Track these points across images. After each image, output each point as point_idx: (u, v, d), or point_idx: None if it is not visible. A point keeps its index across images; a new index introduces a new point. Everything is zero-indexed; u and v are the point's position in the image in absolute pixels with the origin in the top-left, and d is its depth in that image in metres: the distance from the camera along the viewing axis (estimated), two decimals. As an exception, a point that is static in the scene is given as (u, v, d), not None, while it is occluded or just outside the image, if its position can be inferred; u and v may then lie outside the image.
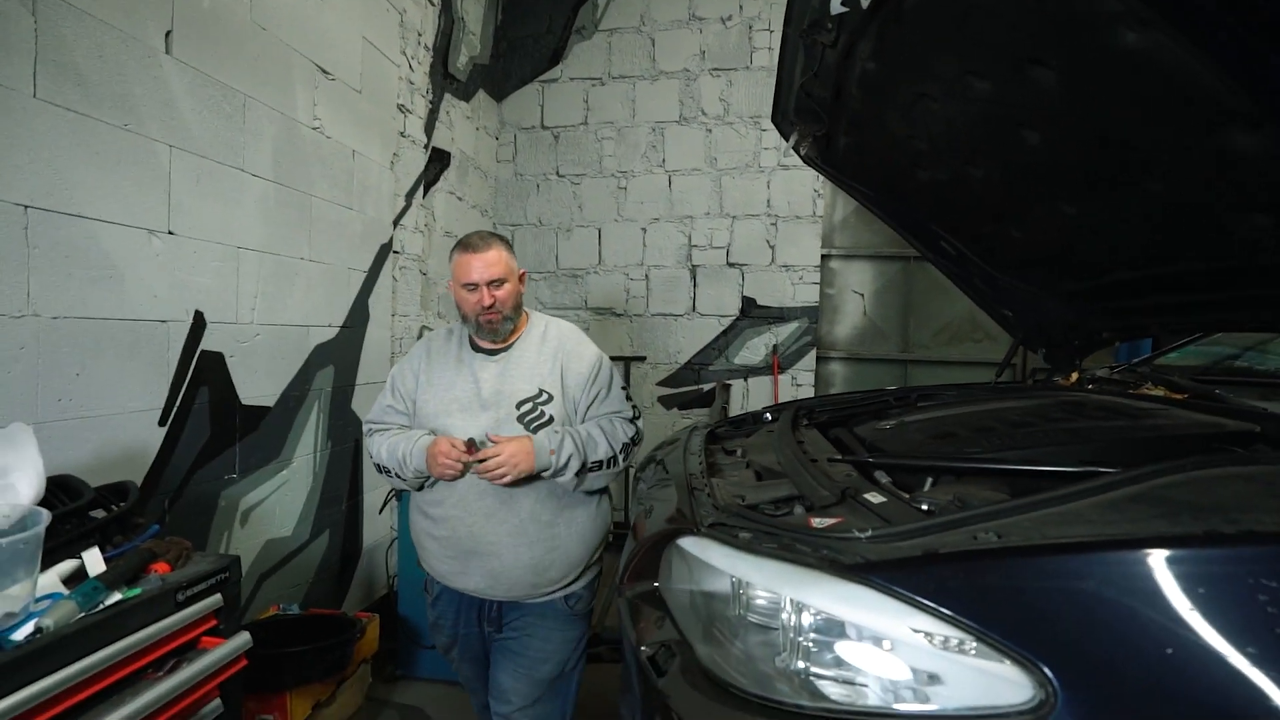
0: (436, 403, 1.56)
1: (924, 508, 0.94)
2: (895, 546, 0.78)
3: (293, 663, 1.84)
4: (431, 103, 3.36)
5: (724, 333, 4.02)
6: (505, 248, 1.56)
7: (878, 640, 0.69)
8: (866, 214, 4.11)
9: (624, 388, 1.66)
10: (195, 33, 1.90)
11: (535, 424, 1.51)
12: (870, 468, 1.21)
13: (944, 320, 4.02)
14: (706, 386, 4.02)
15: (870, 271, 4.09)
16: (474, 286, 1.50)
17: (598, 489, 1.58)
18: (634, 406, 1.65)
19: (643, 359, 4.06)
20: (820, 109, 1.78)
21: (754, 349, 4.00)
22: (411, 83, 3.15)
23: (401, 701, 2.44)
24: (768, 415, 1.94)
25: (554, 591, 1.55)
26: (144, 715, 1.11)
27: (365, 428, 1.69)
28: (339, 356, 2.65)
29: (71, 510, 1.23)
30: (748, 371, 4.01)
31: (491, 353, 1.58)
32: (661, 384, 4.08)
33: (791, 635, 0.77)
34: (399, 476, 1.56)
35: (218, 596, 1.31)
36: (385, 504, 2.77)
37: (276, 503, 2.32)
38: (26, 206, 1.47)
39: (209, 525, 2.03)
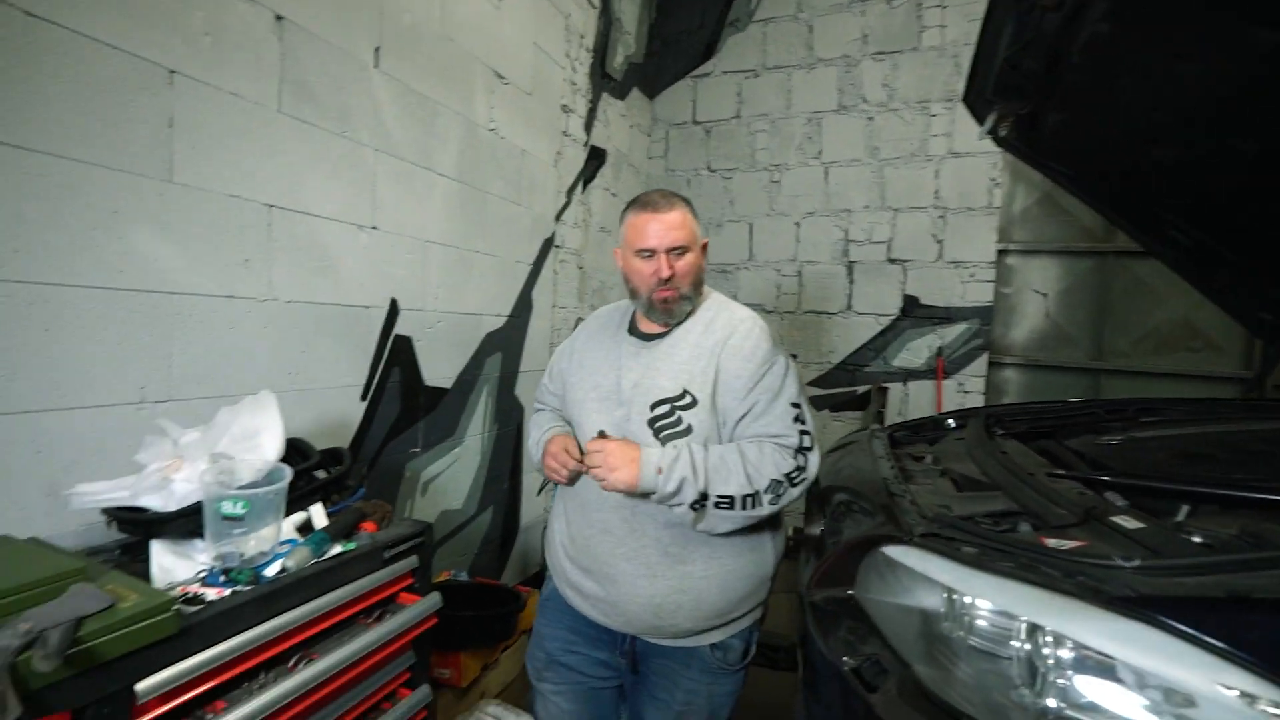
0: (580, 389, 1.35)
1: (1197, 540, 0.79)
2: (1178, 582, 0.65)
3: (468, 626, 1.98)
4: (590, 102, 3.47)
5: (882, 333, 3.78)
6: (689, 210, 1.29)
7: (1169, 692, 0.58)
8: (1052, 204, 3.68)
9: (796, 405, 1.24)
10: (398, 47, 2.09)
11: (668, 433, 1.20)
12: (1102, 486, 1.05)
13: (1150, 325, 3.48)
14: (861, 389, 3.80)
15: (1056, 269, 3.64)
16: (650, 254, 1.24)
17: (727, 530, 1.19)
18: (805, 434, 1.22)
19: (794, 357, 3.90)
20: (1028, 84, 1.59)
21: (915, 351, 3.71)
22: (574, 84, 3.27)
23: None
24: (950, 421, 1.78)
25: (689, 637, 1.25)
26: (358, 656, 1.23)
27: (535, 405, 1.56)
28: (506, 344, 2.82)
29: (303, 469, 1.40)
30: (907, 375, 3.74)
31: (647, 338, 1.31)
32: (812, 384, 3.91)
33: (1037, 667, 0.68)
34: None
35: (415, 558, 1.43)
36: (543, 488, 2.91)
37: (450, 477, 2.52)
38: (271, 206, 1.69)
39: (396, 492, 2.24)
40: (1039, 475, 1.09)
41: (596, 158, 3.56)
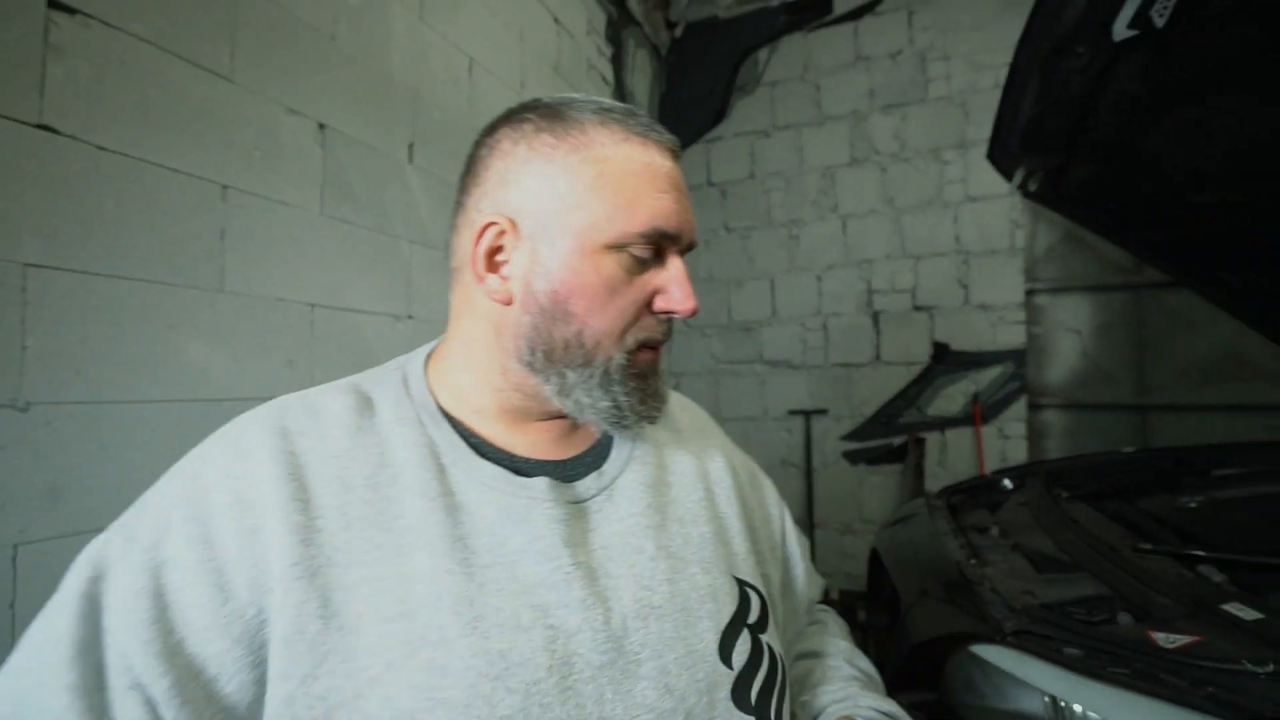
0: (413, 673, 0.41)
1: (1327, 631, 0.73)
2: (1326, 693, 0.60)
3: None
4: (608, 174, 3.57)
5: (914, 382, 3.71)
6: None
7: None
8: (1076, 241, 3.65)
9: None
10: (430, 142, 2.18)
11: (766, 695, 0.51)
12: (1194, 561, 0.99)
13: (1191, 357, 3.39)
14: (897, 440, 3.72)
15: (1089, 306, 3.58)
16: (654, 250, 0.53)
17: None
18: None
19: (824, 412, 3.87)
20: (1056, 139, 1.60)
21: (950, 398, 3.64)
22: (592, 158, 3.38)
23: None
24: (1006, 482, 1.72)
25: None
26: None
27: None
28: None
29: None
30: (944, 423, 3.65)
31: (568, 472, 0.55)
32: (847, 438, 3.84)
33: (1175, 796, 0.62)
34: None
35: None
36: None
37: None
38: (313, 305, 1.73)
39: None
40: (1124, 551, 1.03)
41: (617, 226, 3.63)
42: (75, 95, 1.21)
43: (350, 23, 1.84)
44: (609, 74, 3.51)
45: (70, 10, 1.20)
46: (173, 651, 0.39)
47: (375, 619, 0.41)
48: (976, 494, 1.71)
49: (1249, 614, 0.77)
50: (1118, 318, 3.55)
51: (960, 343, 3.63)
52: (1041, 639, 0.80)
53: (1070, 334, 3.62)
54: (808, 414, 3.88)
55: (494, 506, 0.48)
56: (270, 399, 0.52)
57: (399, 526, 0.46)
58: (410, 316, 2.09)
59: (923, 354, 3.71)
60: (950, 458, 3.63)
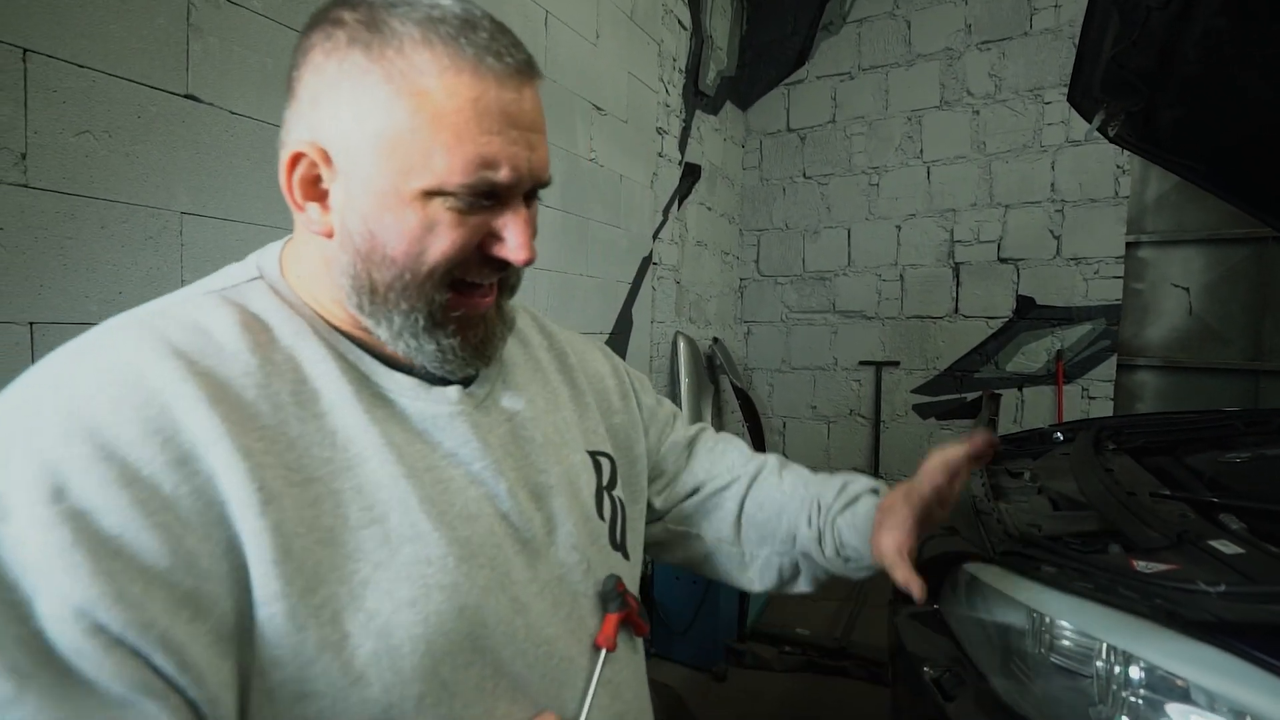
0: (402, 567, 0.44)
1: (1303, 566, 0.77)
2: (1265, 610, 0.66)
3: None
4: (684, 121, 3.59)
5: (993, 336, 3.59)
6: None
7: (1239, 714, 0.60)
8: (1194, 189, 3.33)
9: None
10: (509, 95, 2.31)
11: (622, 535, 0.62)
12: (1214, 509, 1.02)
13: (1321, 319, 3.08)
14: (971, 396, 3.64)
15: (1202, 259, 3.30)
16: (491, 195, 0.46)
17: None
18: None
19: (896, 364, 3.83)
20: (1139, 80, 1.52)
21: (1031, 354, 3.50)
22: (668, 105, 3.41)
23: (654, 678, 2.66)
24: (1058, 435, 1.72)
25: None
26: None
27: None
28: (608, 360, 2.99)
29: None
30: (1022, 380, 3.53)
31: (461, 380, 0.54)
32: (916, 391, 3.80)
33: (1113, 687, 0.70)
34: None
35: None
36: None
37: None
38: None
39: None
40: (1141, 495, 1.07)
41: (691, 174, 3.68)
42: (212, 68, 1.43)
43: (436, -16, 1.98)
44: (685, 17, 3.48)
45: (206, -8, 1.40)
46: (137, 603, 0.35)
47: (346, 528, 0.43)
48: (1025, 444, 1.73)
49: (1231, 549, 0.82)
50: (1235, 274, 3.26)
51: (1047, 297, 3.46)
52: (1026, 559, 0.88)
53: (1176, 290, 3.36)
54: (879, 365, 3.85)
55: (419, 413, 0.50)
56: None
57: (340, 441, 0.45)
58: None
59: (1005, 308, 3.57)
60: (1027, 416, 3.52)
